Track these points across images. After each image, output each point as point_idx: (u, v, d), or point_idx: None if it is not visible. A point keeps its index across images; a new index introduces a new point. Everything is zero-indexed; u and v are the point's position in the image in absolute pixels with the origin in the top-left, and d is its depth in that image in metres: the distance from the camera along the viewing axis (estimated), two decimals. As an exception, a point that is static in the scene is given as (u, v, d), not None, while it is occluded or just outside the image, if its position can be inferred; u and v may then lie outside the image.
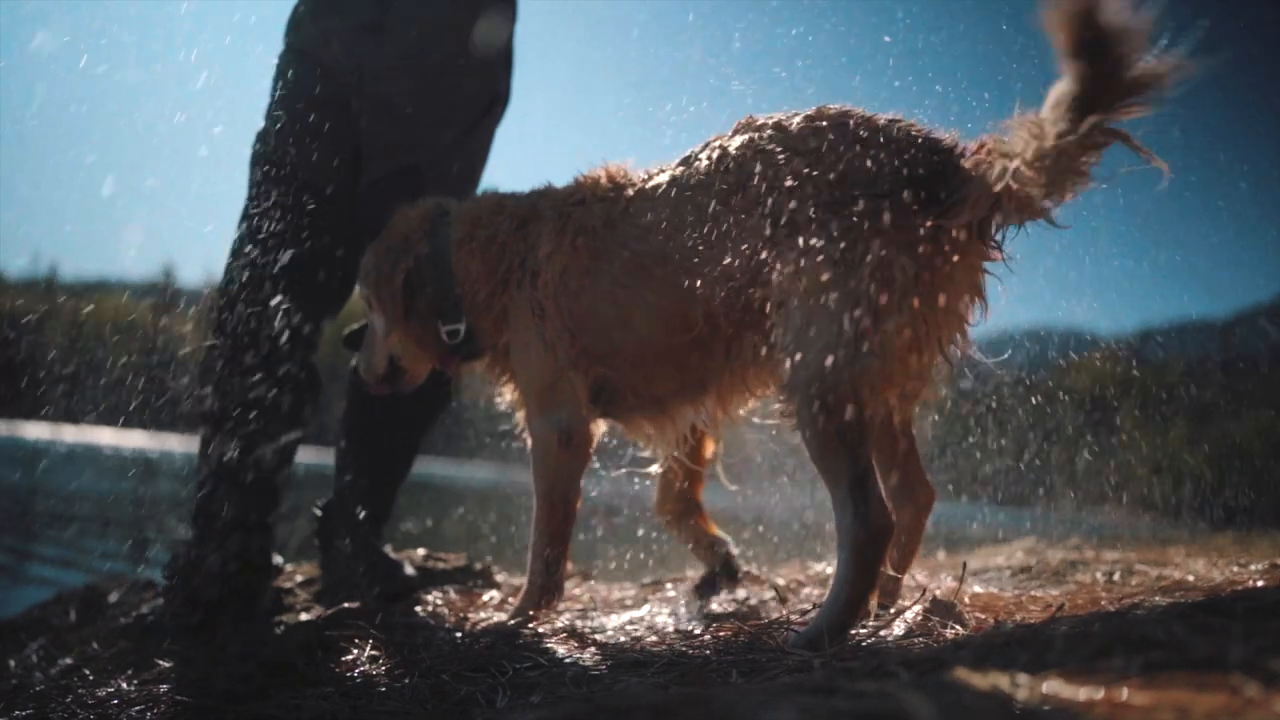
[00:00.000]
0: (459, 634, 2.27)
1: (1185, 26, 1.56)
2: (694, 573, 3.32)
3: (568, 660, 1.92)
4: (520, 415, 2.63)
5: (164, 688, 2.11)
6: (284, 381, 2.84)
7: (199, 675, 2.17)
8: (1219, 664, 0.92)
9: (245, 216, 2.97)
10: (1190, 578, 2.68)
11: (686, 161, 2.29)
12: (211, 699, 1.96)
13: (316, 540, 3.24)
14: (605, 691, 1.66)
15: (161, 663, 2.33)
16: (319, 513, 3.22)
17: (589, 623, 2.37)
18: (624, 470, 2.87)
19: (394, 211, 2.74)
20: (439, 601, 2.90)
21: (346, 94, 2.96)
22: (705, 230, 2.14)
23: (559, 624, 2.30)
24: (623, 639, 2.17)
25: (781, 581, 2.97)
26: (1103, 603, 2.25)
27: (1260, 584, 2.38)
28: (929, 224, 1.84)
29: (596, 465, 2.75)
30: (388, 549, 3.18)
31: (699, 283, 2.15)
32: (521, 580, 2.87)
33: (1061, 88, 1.70)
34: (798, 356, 1.91)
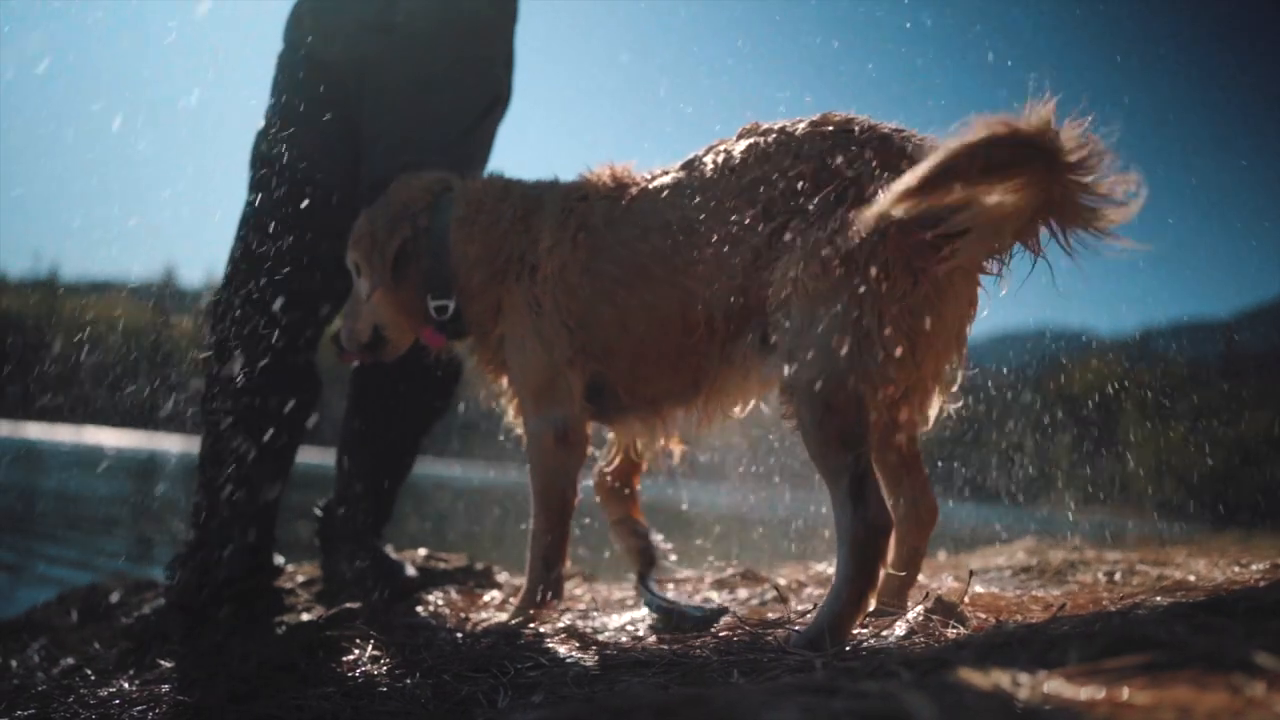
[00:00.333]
0: (460, 634, 2.28)
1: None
2: (693, 572, 3.33)
3: (569, 660, 1.92)
4: (512, 410, 2.60)
5: (166, 688, 2.12)
6: (284, 382, 2.84)
7: (201, 675, 2.18)
8: (1220, 664, 0.92)
9: (245, 217, 2.97)
10: (1191, 578, 2.68)
11: (690, 164, 2.30)
12: (213, 699, 1.97)
13: (317, 540, 3.24)
14: (606, 691, 1.66)
15: (163, 663, 2.33)
16: (319, 513, 3.22)
17: (590, 623, 2.37)
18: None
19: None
20: (440, 602, 2.90)
21: (347, 93, 2.96)
22: (706, 232, 2.14)
23: (560, 624, 2.30)
24: (624, 639, 2.17)
25: (783, 581, 2.97)
26: (1104, 603, 2.25)
27: (1261, 584, 2.38)
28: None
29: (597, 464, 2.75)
30: (389, 549, 3.18)
31: (699, 284, 2.15)
32: (522, 580, 2.87)
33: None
34: (799, 356, 1.91)
